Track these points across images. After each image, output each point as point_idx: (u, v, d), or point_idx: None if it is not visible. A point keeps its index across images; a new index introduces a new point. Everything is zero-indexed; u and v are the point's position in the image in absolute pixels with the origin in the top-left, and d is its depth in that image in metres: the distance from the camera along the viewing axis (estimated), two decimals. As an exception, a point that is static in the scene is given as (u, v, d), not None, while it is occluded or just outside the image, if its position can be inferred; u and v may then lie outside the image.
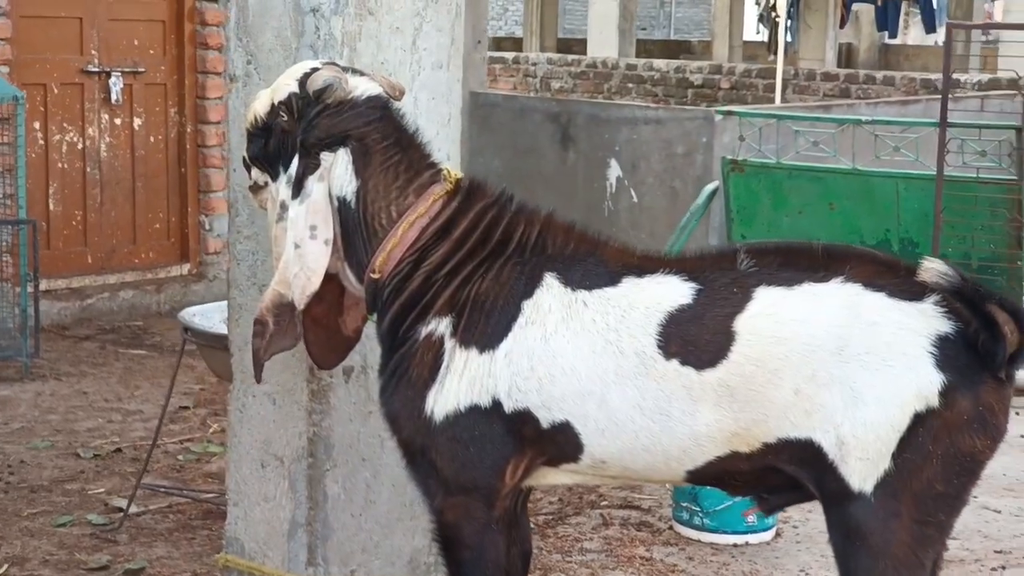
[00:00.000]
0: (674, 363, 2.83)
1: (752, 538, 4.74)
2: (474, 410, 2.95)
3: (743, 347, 2.79)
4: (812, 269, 2.83)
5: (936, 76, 12.98)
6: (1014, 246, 7.58)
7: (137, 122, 7.88)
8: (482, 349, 2.96)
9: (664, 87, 14.18)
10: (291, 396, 3.47)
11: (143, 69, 7.86)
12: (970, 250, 7.41)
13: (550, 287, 2.96)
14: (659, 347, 2.84)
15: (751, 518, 4.72)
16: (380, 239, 3.05)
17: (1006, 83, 11.56)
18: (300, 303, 3.01)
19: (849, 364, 2.74)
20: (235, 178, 3.54)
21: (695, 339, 2.82)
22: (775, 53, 22.51)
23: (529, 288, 2.97)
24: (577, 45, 19.82)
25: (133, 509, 4.77)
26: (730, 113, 8.23)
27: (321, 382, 3.47)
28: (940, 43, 24.73)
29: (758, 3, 25.37)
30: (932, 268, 2.73)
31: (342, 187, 3.03)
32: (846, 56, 21.08)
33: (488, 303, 2.97)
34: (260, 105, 3.08)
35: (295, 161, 3.01)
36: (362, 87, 3.05)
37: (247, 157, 3.13)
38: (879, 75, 12.91)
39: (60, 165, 7.54)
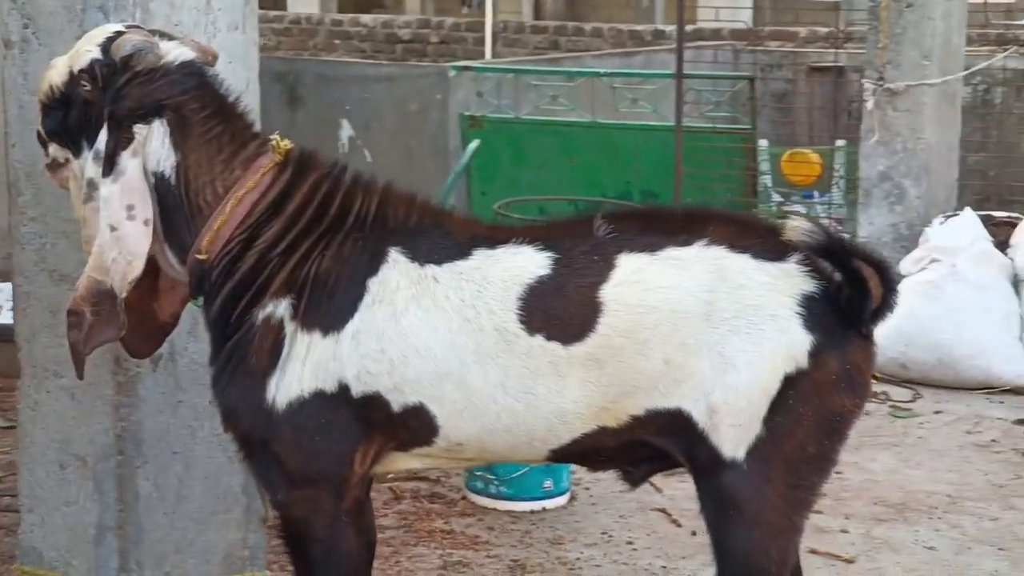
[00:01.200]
0: (538, 338, 2.70)
1: (549, 503, 4.68)
2: (319, 396, 2.76)
3: (610, 318, 2.68)
4: (672, 233, 2.74)
5: (633, 28, 13.23)
6: (750, 194, 7.78)
7: None
8: (326, 331, 2.76)
9: (372, 43, 13.96)
10: (94, 390, 3.19)
11: None
12: (709, 199, 7.54)
13: (396, 262, 2.78)
14: (521, 322, 2.71)
15: (548, 483, 4.66)
16: (205, 217, 2.81)
17: (709, 33, 11.85)
18: (122, 290, 2.75)
19: (718, 329, 2.67)
20: (13, 154, 3.21)
21: (559, 312, 2.70)
22: (470, 6, 22.62)
23: (374, 265, 2.78)
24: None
25: None
26: (467, 68, 8.13)
27: (128, 373, 3.20)
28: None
29: (448, -44, 25.42)
30: (797, 227, 2.68)
31: (159, 162, 2.77)
32: (535, 9, 21.36)
33: (330, 282, 2.78)
34: (56, 74, 2.78)
35: (103, 135, 2.73)
36: (174, 52, 2.79)
37: (42, 132, 2.82)
38: (587, 27, 13.04)
39: None
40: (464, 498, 4.72)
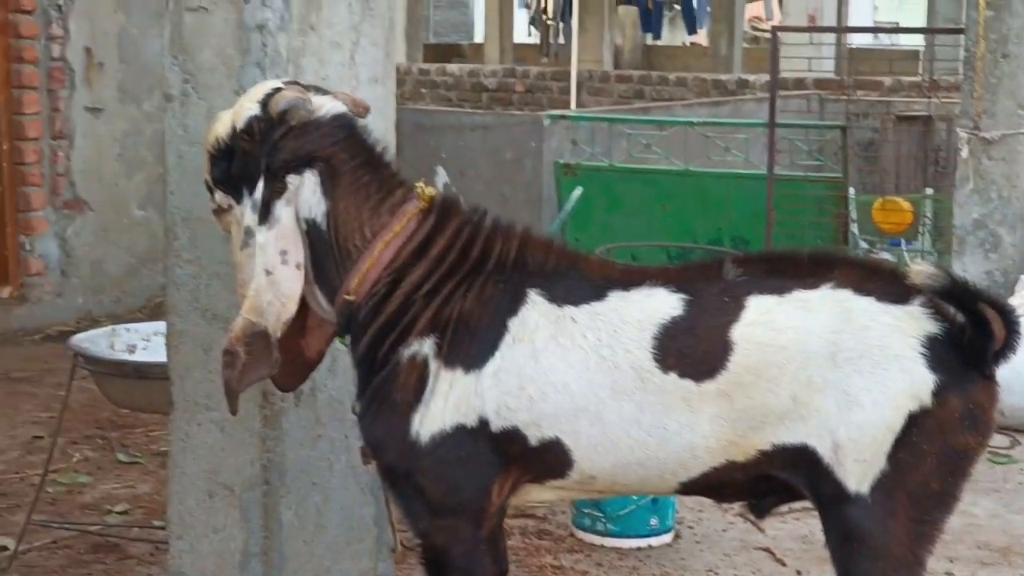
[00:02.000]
0: (672, 375, 2.84)
1: (654, 541, 4.81)
2: (460, 430, 2.92)
3: (741, 356, 2.82)
4: (800, 276, 2.89)
5: (716, 77, 13.37)
6: (840, 241, 7.88)
7: (-50, 140, 7.51)
8: (468, 369, 2.92)
9: (458, 91, 14.21)
10: (242, 423, 3.36)
11: (-46, 84, 7.50)
12: (799, 246, 7.66)
13: (535, 304, 2.94)
14: (655, 360, 2.85)
15: (654, 521, 4.78)
16: (354, 260, 2.98)
17: (793, 83, 11.97)
18: (276, 331, 2.92)
19: (843, 369, 2.80)
20: (171, 201, 3.41)
21: (691, 350, 2.85)
22: (547, 56, 22.85)
23: (513, 305, 2.94)
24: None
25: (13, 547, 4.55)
26: (562, 117, 8.31)
27: (274, 407, 3.38)
28: (689, 43, 25.48)
29: (527, 6, 25.70)
30: (921, 271, 2.81)
31: (311, 209, 2.95)
32: (613, 57, 21.55)
33: (472, 322, 2.94)
34: (221, 127, 2.98)
35: (260, 185, 2.92)
36: (327, 106, 2.98)
37: (209, 179, 3.02)
38: (671, 76, 13.22)
39: None
40: (571, 535, 4.86)
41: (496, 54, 21.68)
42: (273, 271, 2.91)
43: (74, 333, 4.71)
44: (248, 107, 2.95)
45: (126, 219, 8.28)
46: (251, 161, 2.93)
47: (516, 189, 8.50)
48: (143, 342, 4.49)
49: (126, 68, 8.18)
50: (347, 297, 2.99)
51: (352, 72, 3.45)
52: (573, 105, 12.86)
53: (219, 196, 3.01)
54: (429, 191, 3.04)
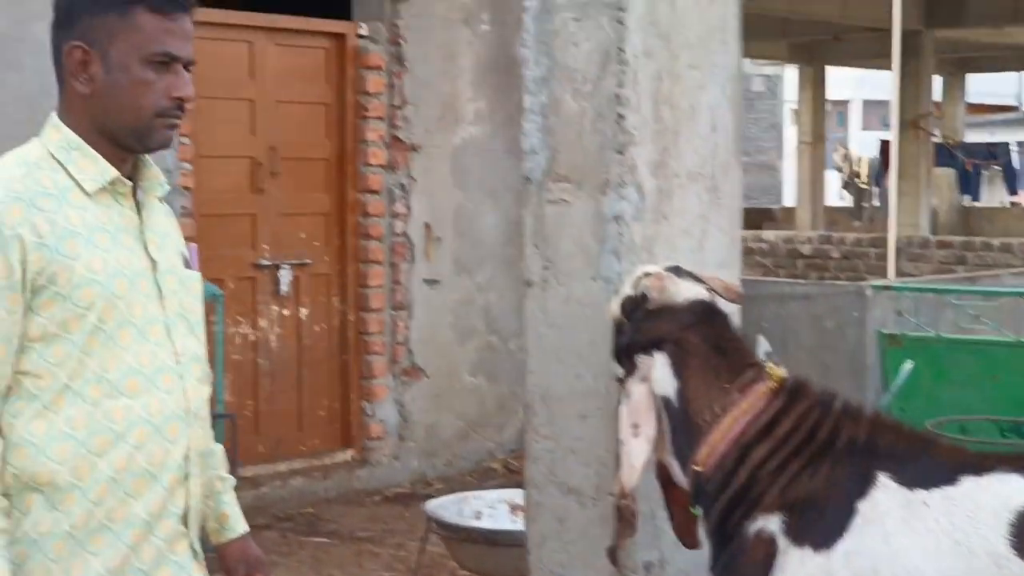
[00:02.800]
0: (1030, 562, 2.86)
1: None
2: None
3: (1102, 542, 2.82)
4: None
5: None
6: None
7: (303, 312, 8.06)
8: (817, 548, 2.99)
9: (774, 258, 14.30)
10: (597, 592, 3.52)
11: (309, 261, 8.06)
12: None
13: (886, 487, 3.00)
14: (1012, 547, 2.87)
15: None
16: (704, 434, 3.13)
17: None
18: (622, 496, 3.10)
19: None
20: (530, 379, 3.64)
21: (1051, 537, 2.86)
22: (860, 220, 22.68)
23: (863, 487, 3.01)
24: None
25: None
26: (887, 288, 8.30)
27: (627, 577, 3.52)
28: (1009, 203, 24.86)
29: (839, 170, 25.68)
30: None
31: (664, 387, 3.13)
32: (930, 221, 21.26)
33: (820, 502, 3.02)
34: (613, 305, 3.25)
35: (620, 362, 3.14)
36: (685, 292, 3.17)
37: (613, 352, 3.27)
38: (995, 242, 12.98)
39: (234, 357, 7.70)
40: None
41: (808, 218, 21.71)
42: (625, 442, 3.11)
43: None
44: (626, 290, 3.20)
45: (458, 385, 8.65)
46: (622, 339, 3.17)
47: (838, 359, 8.48)
48: (488, 509, 4.72)
49: (461, 241, 8.62)
50: (696, 468, 3.13)
51: (700, 258, 3.63)
52: (891, 272, 12.75)
53: (615, 367, 3.24)
54: (779, 372, 3.17)
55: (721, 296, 3.18)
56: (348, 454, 8.25)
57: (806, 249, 14.24)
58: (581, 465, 3.52)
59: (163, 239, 2.63)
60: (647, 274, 3.16)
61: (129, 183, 2.57)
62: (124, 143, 2.55)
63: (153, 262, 2.57)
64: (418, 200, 8.40)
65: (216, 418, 6.56)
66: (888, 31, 11.37)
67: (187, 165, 7.35)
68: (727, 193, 3.67)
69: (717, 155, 3.63)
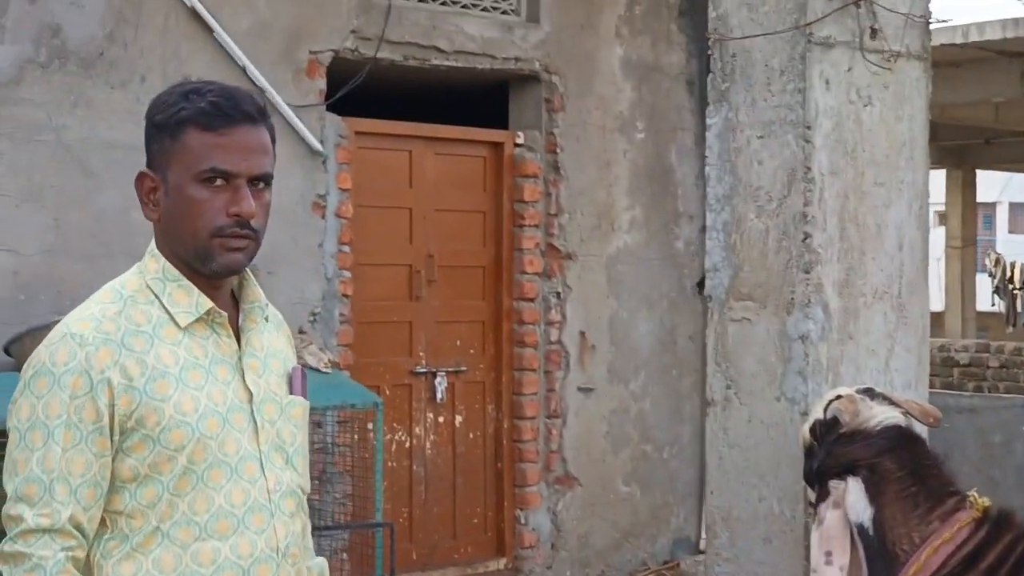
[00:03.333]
0: None
1: None
2: None
3: None
4: None
5: None
6: None
7: (458, 419, 8.06)
8: None
9: (929, 367, 13.98)
10: None
11: (464, 368, 8.07)
12: None
13: (1096, 622, 2.88)
14: None
15: None
16: (901, 564, 3.03)
17: None
18: None
19: None
20: (711, 500, 3.58)
21: None
22: (1015, 326, 22.16)
23: (1072, 622, 2.90)
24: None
25: None
26: (1054, 402, 8.07)
27: None
28: None
29: (991, 275, 25.18)
30: None
31: (858, 514, 3.05)
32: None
33: (1026, 637, 2.91)
34: (805, 428, 3.18)
35: (813, 487, 3.06)
36: (879, 416, 3.09)
37: (804, 475, 3.20)
38: None
39: (390, 464, 7.71)
40: None
41: (958, 325, 21.25)
42: (818, 571, 3.01)
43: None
44: (815, 413, 3.14)
45: (612, 494, 8.55)
46: (813, 463, 3.11)
47: (1006, 473, 8.25)
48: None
49: (615, 350, 8.57)
50: (896, 598, 3.03)
51: (887, 378, 3.55)
52: (1053, 381, 12.42)
53: (808, 491, 3.17)
54: (983, 501, 3.07)
55: (918, 420, 3.10)
56: (501, 563, 8.18)
57: (963, 357, 13.93)
58: (769, 588, 3.43)
59: (265, 363, 2.52)
60: (838, 396, 3.10)
61: (224, 314, 2.47)
62: (194, 268, 2.45)
63: (250, 393, 2.47)
64: (573, 308, 8.38)
65: (374, 527, 6.58)
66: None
67: (346, 273, 7.43)
68: (914, 312, 3.60)
69: (904, 273, 3.56)
